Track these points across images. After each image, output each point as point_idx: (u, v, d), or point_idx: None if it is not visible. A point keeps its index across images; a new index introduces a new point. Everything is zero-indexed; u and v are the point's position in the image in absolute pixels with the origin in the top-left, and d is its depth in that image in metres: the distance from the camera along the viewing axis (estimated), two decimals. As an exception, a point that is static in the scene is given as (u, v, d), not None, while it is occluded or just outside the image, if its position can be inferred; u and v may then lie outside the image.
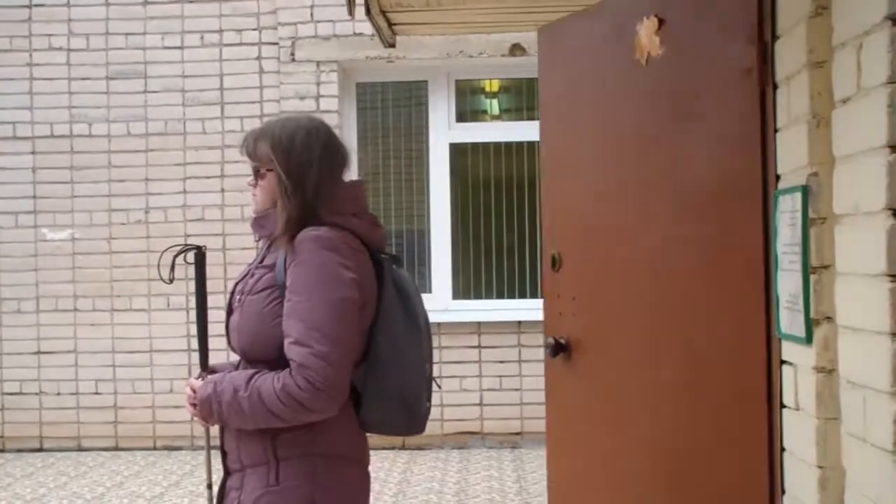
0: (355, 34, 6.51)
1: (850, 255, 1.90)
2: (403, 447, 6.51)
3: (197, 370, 2.29)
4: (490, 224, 6.84)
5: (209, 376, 2.17)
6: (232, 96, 6.68)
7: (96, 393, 6.74)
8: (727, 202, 2.56)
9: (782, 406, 2.33)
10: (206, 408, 2.11)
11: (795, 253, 2.16)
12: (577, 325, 3.11)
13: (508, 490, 5.51)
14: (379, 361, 2.14)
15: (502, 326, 6.54)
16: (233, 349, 2.20)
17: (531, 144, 6.43)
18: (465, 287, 6.83)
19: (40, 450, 6.75)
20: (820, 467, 2.07)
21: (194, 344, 6.58)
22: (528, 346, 6.46)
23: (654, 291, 2.79)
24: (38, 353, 6.76)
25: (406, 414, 2.18)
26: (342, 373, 2.02)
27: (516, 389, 6.52)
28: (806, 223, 2.11)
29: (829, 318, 2.05)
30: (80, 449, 6.72)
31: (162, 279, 2.32)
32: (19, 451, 6.73)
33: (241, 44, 6.70)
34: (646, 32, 2.77)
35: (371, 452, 2.27)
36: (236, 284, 2.22)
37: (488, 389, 6.53)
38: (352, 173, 2.29)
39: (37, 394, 6.76)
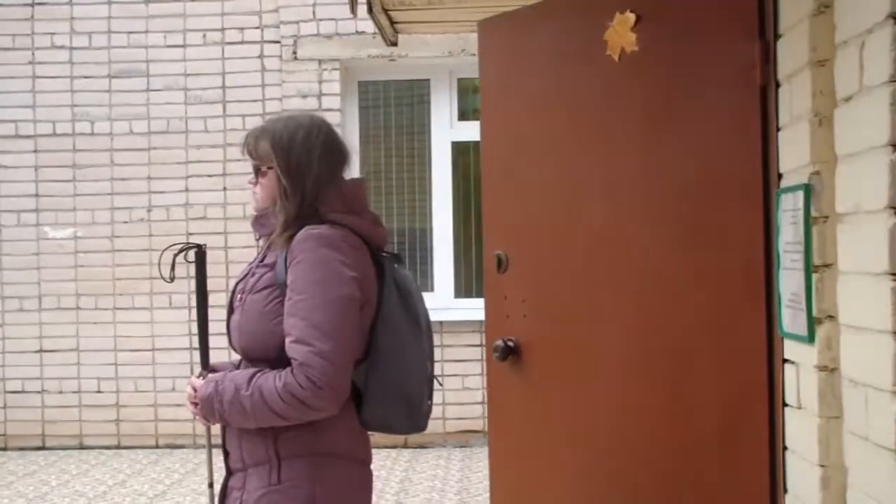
0: (357, 32, 6.50)
1: (852, 253, 1.90)
2: (405, 446, 6.52)
3: (198, 369, 2.29)
4: (492, 222, 6.83)
5: (210, 375, 2.17)
6: (234, 95, 6.69)
7: (98, 391, 6.74)
8: (724, 201, 2.55)
9: (784, 405, 2.33)
10: (207, 407, 2.11)
11: (797, 252, 2.16)
12: (528, 327, 2.99)
13: (510, 488, 5.51)
14: (380, 360, 2.14)
15: (504, 325, 6.53)
16: (234, 348, 2.20)
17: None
18: (467, 285, 6.83)
19: (42, 448, 6.75)
20: (822, 466, 2.07)
21: (196, 343, 6.58)
22: (530, 344, 6.45)
23: (636, 292, 2.73)
24: (41, 351, 6.77)
25: (408, 412, 2.18)
26: (343, 371, 2.02)
27: (518, 388, 6.51)
28: (808, 222, 2.11)
29: (832, 317, 2.05)
30: (83, 447, 6.73)
31: (163, 278, 2.32)
32: (21, 449, 6.74)
33: (243, 42, 6.70)
34: (619, 28, 2.72)
35: (373, 451, 2.27)
36: (237, 283, 2.22)
37: (490, 388, 6.53)
38: (353, 172, 2.28)
39: (39, 392, 6.77)
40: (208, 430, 2.34)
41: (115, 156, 6.76)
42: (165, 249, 2.33)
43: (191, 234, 6.58)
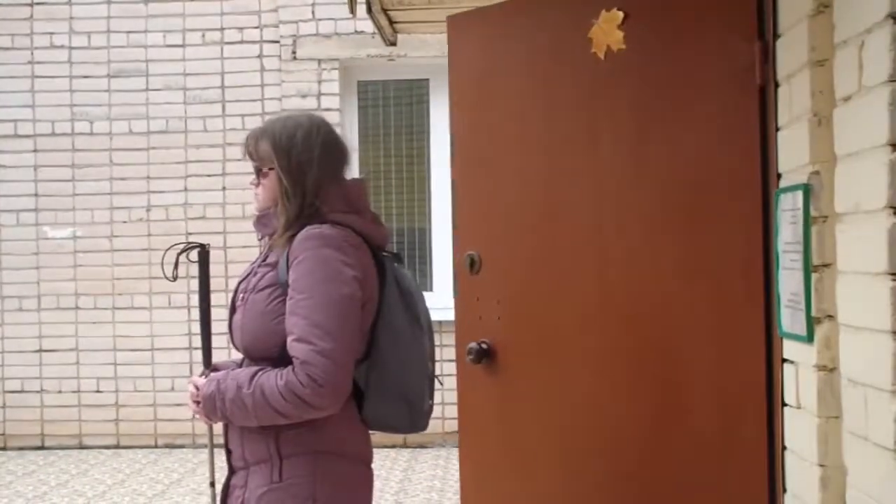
0: (356, 32, 6.51)
1: (852, 253, 1.90)
2: (405, 445, 6.52)
3: (198, 368, 2.29)
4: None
5: (212, 374, 2.17)
6: (233, 94, 6.69)
7: (98, 391, 6.74)
8: (723, 201, 2.55)
9: (783, 405, 2.34)
10: (209, 405, 2.11)
11: (797, 251, 2.16)
12: (503, 329, 2.93)
13: (509, 488, 5.51)
14: (381, 359, 2.15)
15: (503, 325, 6.53)
16: (236, 347, 2.20)
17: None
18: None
19: (42, 448, 6.75)
20: (821, 466, 2.07)
21: (195, 342, 6.61)
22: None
23: (626, 293, 2.70)
24: (40, 350, 6.76)
25: (408, 412, 2.19)
26: (344, 369, 2.02)
27: (517, 388, 6.51)
28: (807, 222, 2.11)
29: (831, 317, 2.05)
30: (82, 447, 6.73)
31: (166, 277, 2.32)
32: (21, 448, 6.74)
33: (242, 42, 6.70)
34: (605, 26, 2.70)
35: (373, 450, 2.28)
36: (239, 283, 2.23)
37: (489, 388, 6.53)
38: (352, 171, 2.29)
39: (38, 392, 6.77)
40: (210, 429, 2.35)
41: (114, 155, 6.76)
42: (169, 248, 2.33)
43: (190, 233, 6.58)
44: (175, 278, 2.32)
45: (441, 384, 2.37)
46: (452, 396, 3.12)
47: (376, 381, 2.15)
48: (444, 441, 6.52)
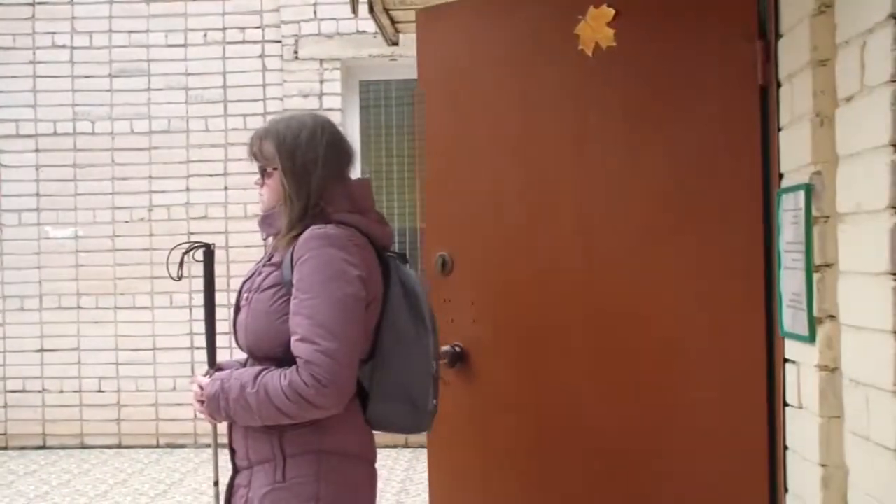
0: (358, 32, 6.51)
1: (853, 253, 1.90)
2: (406, 445, 6.52)
3: (200, 368, 2.29)
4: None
5: (216, 374, 2.17)
6: (235, 94, 6.69)
7: (99, 391, 6.75)
8: (724, 201, 2.55)
9: (785, 404, 2.34)
10: (212, 405, 2.11)
11: (798, 251, 2.16)
12: (478, 331, 2.85)
13: (511, 488, 5.51)
14: (386, 359, 2.15)
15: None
16: (240, 347, 2.21)
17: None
18: (468, 285, 6.81)
19: (43, 447, 6.76)
20: (823, 465, 2.07)
21: (197, 342, 6.62)
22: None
23: (621, 294, 2.66)
24: (42, 350, 6.77)
25: (413, 412, 2.19)
26: (348, 369, 2.02)
27: (519, 387, 6.51)
28: (809, 221, 2.11)
29: (832, 317, 2.05)
30: (83, 446, 6.74)
31: (171, 276, 2.32)
32: (22, 448, 6.75)
33: (244, 42, 6.71)
34: (594, 22, 2.67)
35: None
36: (244, 282, 2.23)
37: (491, 387, 6.53)
38: (355, 171, 2.29)
39: (40, 391, 6.77)
40: (214, 428, 2.35)
41: (116, 155, 6.77)
42: (174, 248, 2.33)
43: (192, 233, 6.58)
44: (180, 278, 2.32)
45: (446, 383, 2.36)
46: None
47: (380, 382, 2.15)
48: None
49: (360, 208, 2.20)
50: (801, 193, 2.13)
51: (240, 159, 6.40)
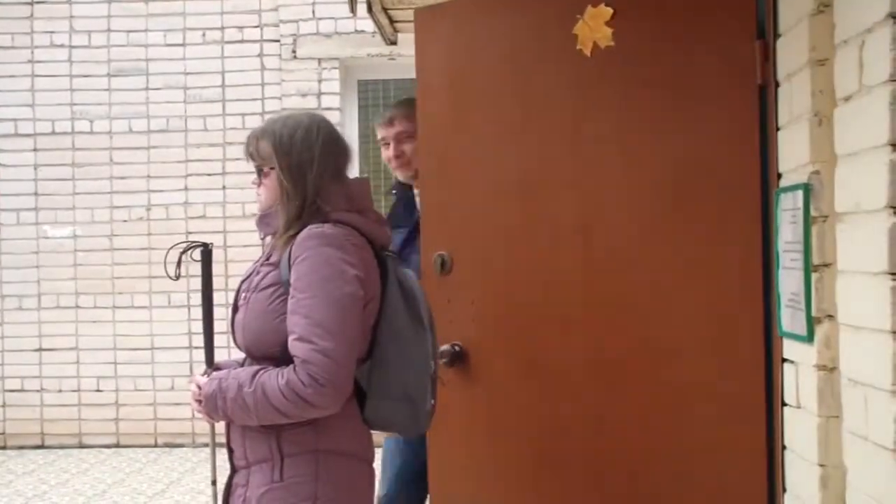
0: (357, 31, 6.51)
1: (852, 253, 1.90)
2: (404, 445, 6.50)
3: (198, 367, 2.29)
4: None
5: (214, 373, 2.18)
6: (233, 93, 6.69)
7: (98, 390, 6.74)
8: (723, 201, 2.55)
9: (783, 404, 2.34)
10: (210, 404, 2.12)
11: (797, 251, 2.16)
12: (478, 331, 2.85)
13: (509, 488, 5.50)
14: (383, 359, 2.15)
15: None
16: (238, 346, 2.21)
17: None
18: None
19: (42, 447, 6.76)
20: (821, 465, 2.07)
21: (196, 341, 6.62)
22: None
23: (619, 293, 2.66)
24: (40, 349, 6.77)
25: (411, 412, 2.19)
26: (345, 369, 2.02)
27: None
28: (807, 221, 2.11)
29: (831, 317, 2.05)
30: (82, 446, 6.73)
31: (168, 276, 2.32)
32: (21, 447, 6.74)
33: (242, 41, 6.70)
34: (592, 22, 2.67)
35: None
36: (242, 282, 2.23)
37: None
38: (353, 171, 2.29)
39: (38, 391, 6.77)
40: (212, 427, 2.35)
41: (114, 154, 6.76)
42: (171, 248, 2.33)
43: (190, 233, 6.58)
44: (178, 277, 2.32)
45: (443, 384, 2.36)
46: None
47: (378, 381, 2.15)
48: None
49: (359, 208, 2.20)
50: (800, 193, 2.13)
51: (238, 159, 6.39)
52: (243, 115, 6.64)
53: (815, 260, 2.09)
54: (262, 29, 6.69)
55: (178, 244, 2.33)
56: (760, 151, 2.48)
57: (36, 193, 6.78)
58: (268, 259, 2.18)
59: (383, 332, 2.16)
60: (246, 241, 6.43)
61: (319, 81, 6.61)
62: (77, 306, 6.75)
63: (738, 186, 2.52)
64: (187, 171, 6.72)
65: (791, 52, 2.24)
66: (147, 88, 6.74)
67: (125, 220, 6.75)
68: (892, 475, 1.70)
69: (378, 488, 3.20)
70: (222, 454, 2.24)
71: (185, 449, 6.64)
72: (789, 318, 2.23)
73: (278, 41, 6.66)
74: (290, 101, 6.54)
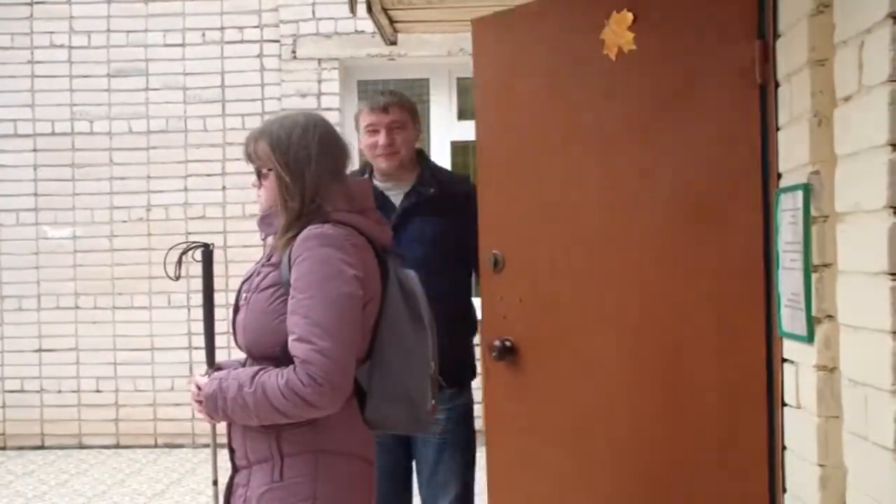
0: (357, 32, 6.50)
1: (852, 253, 1.90)
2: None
3: (198, 368, 2.29)
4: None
5: (215, 373, 2.18)
6: (233, 94, 6.68)
7: (97, 391, 6.74)
8: (724, 201, 2.56)
9: (783, 404, 2.34)
10: (211, 404, 2.12)
11: (797, 251, 2.16)
12: (525, 327, 2.97)
13: (509, 488, 5.50)
14: (384, 360, 2.16)
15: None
16: (239, 347, 2.21)
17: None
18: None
19: (41, 447, 6.75)
20: (821, 465, 2.07)
21: (196, 342, 6.61)
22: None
23: (635, 292, 2.72)
24: (40, 350, 6.76)
25: (411, 412, 2.19)
26: (344, 369, 2.02)
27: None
28: (807, 221, 2.11)
29: (831, 317, 2.05)
30: (82, 446, 6.73)
31: (168, 276, 2.32)
32: (20, 448, 6.74)
33: (242, 41, 6.70)
34: (616, 27, 2.72)
35: (372, 450, 2.28)
36: (243, 282, 2.23)
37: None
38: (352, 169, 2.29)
39: (38, 391, 6.76)
40: (213, 428, 2.36)
41: (114, 155, 6.76)
42: (172, 248, 2.33)
43: (190, 233, 6.57)
44: (178, 278, 2.32)
45: (443, 385, 2.37)
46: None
47: (378, 382, 2.16)
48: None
49: (360, 208, 2.20)
50: (800, 193, 2.13)
51: (238, 159, 6.35)
52: (243, 115, 6.63)
53: (815, 260, 2.09)
54: (261, 29, 6.69)
55: (178, 244, 2.33)
56: (760, 151, 2.48)
57: (36, 194, 6.77)
58: (269, 259, 2.19)
59: (383, 332, 2.16)
60: (246, 242, 6.42)
61: (319, 82, 6.60)
62: (77, 307, 6.75)
63: (739, 186, 2.53)
64: (187, 172, 6.72)
65: (791, 53, 2.24)
66: (147, 89, 6.74)
67: (125, 221, 6.74)
68: (892, 475, 1.70)
69: None
70: (224, 454, 2.25)
71: (185, 449, 6.63)
72: (789, 318, 2.23)
73: (278, 41, 6.65)
74: (289, 101, 6.54)
